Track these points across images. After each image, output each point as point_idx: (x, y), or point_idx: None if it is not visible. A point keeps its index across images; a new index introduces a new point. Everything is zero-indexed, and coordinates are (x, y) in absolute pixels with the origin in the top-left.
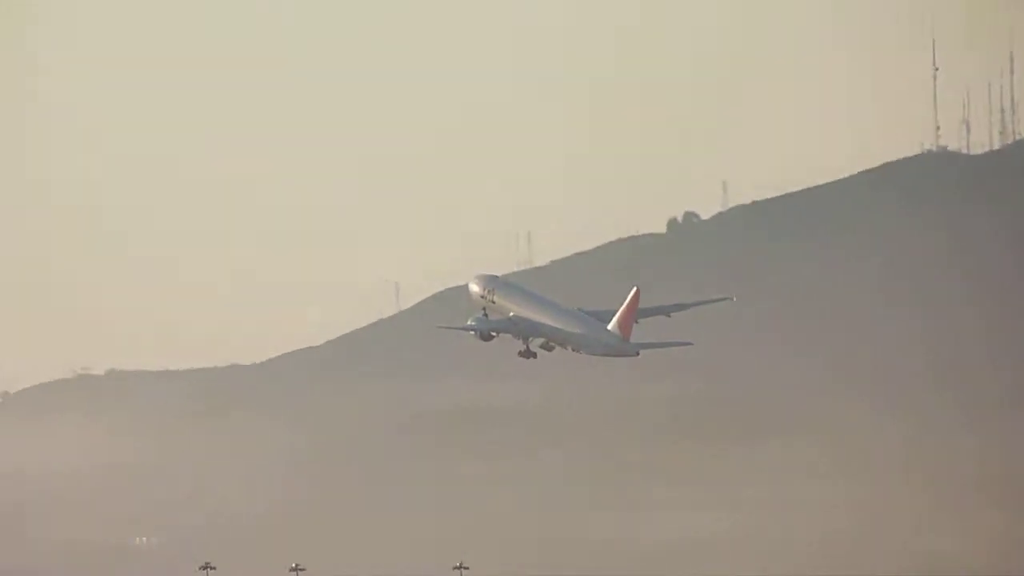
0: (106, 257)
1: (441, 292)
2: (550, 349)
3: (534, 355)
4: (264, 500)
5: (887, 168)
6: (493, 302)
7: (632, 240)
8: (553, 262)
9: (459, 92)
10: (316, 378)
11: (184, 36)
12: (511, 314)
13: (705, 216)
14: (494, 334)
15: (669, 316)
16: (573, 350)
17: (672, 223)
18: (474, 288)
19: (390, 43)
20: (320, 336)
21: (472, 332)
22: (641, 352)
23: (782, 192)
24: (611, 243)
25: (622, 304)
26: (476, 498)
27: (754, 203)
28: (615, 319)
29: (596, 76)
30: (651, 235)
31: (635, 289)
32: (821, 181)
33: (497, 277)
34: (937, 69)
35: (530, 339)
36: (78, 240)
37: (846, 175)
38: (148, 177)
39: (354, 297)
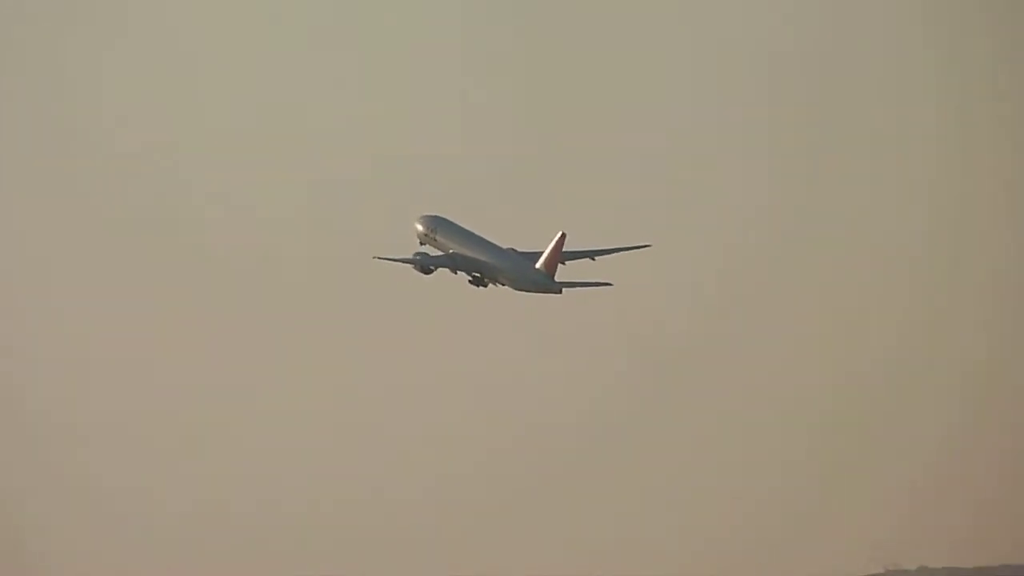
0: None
1: None
2: (484, 285)
3: (484, 284)
4: None
5: None
6: (435, 240)
7: None
8: None
9: None
10: None
11: None
12: (450, 251)
13: None
14: (432, 268)
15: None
16: (503, 284)
17: None
18: (418, 227)
19: None
20: None
21: (412, 265)
22: (564, 290)
23: None
24: None
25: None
26: None
27: None
28: (542, 258)
29: None
30: None
31: (560, 233)
32: None
33: (439, 217)
34: None
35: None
36: None
37: None
38: None
39: None
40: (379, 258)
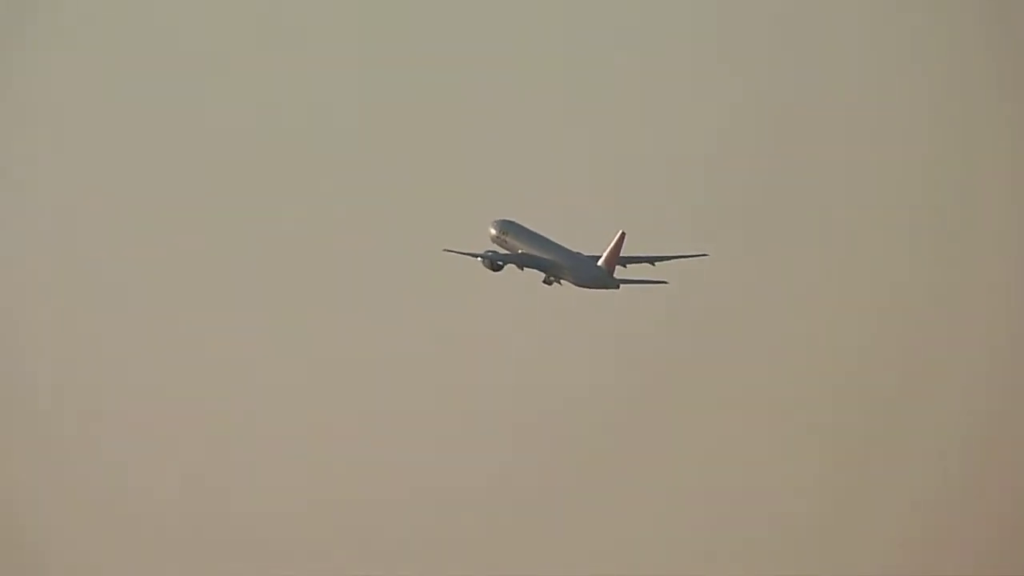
0: None
1: None
2: (550, 283)
3: (550, 283)
4: None
5: None
6: (506, 242)
7: None
8: None
9: None
10: None
11: None
12: (519, 251)
13: None
14: (501, 264)
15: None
16: (566, 282)
17: None
18: (491, 231)
19: None
20: None
21: (481, 260)
22: (621, 286)
23: None
24: None
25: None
26: None
27: None
28: (604, 256)
29: None
30: None
31: (620, 232)
32: None
33: (511, 221)
34: None
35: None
36: None
37: None
38: None
39: None
40: (449, 251)
